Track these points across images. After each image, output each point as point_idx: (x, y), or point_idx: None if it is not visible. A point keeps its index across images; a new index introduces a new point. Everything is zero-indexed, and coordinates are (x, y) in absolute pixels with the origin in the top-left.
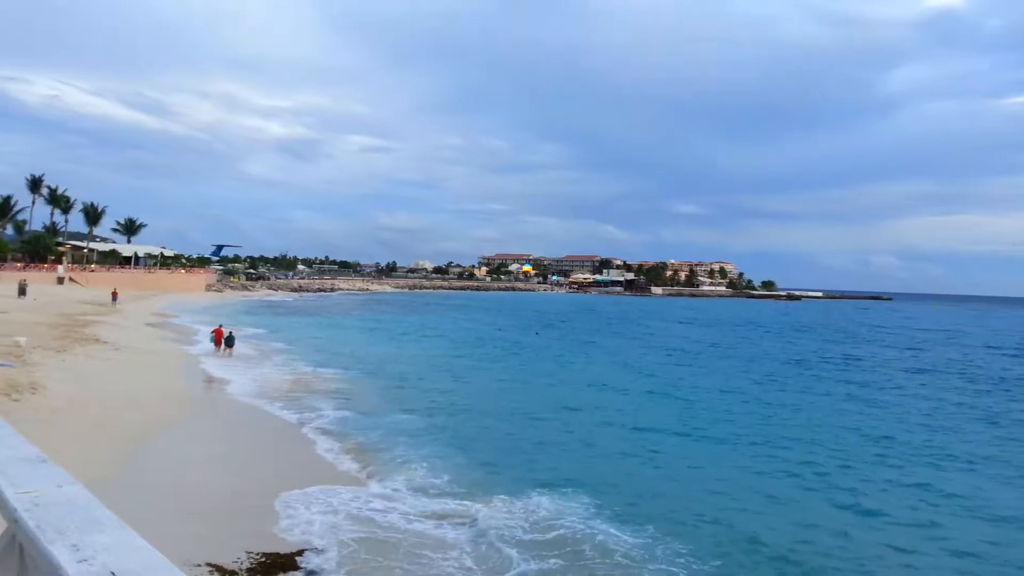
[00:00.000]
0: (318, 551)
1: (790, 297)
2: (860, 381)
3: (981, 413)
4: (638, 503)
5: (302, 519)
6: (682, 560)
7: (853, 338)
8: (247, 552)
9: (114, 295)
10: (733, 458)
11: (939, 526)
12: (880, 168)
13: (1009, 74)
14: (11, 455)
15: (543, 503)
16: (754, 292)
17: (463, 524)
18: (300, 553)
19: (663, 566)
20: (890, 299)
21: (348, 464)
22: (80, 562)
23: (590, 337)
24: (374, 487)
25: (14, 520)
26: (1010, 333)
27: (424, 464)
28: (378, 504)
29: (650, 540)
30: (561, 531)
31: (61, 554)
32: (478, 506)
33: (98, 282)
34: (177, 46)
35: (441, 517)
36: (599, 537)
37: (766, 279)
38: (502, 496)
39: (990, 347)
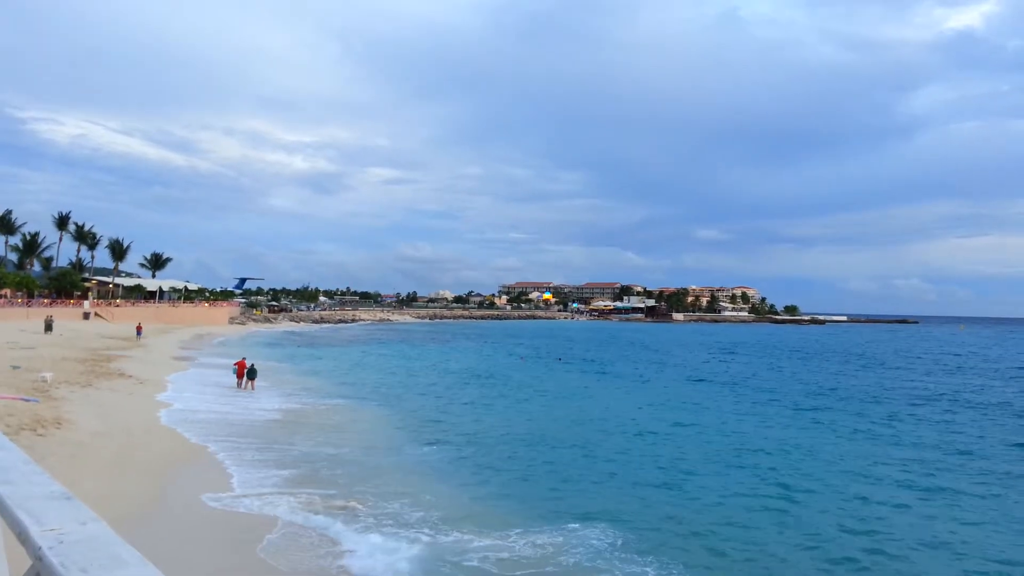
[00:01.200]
0: None
1: (814, 321)
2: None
3: None
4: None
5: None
6: None
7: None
8: None
9: (139, 329)
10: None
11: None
12: (903, 191)
13: None
14: (36, 492)
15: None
16: (777, 317)
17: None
18: None
19: None
20: (916, 323)
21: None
22: None
23: (611, 366)
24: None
25: (39, 558)
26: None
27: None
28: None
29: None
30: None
31: None
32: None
33: (123, 317)
34: (203, 85)
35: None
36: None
37: (789, 304)
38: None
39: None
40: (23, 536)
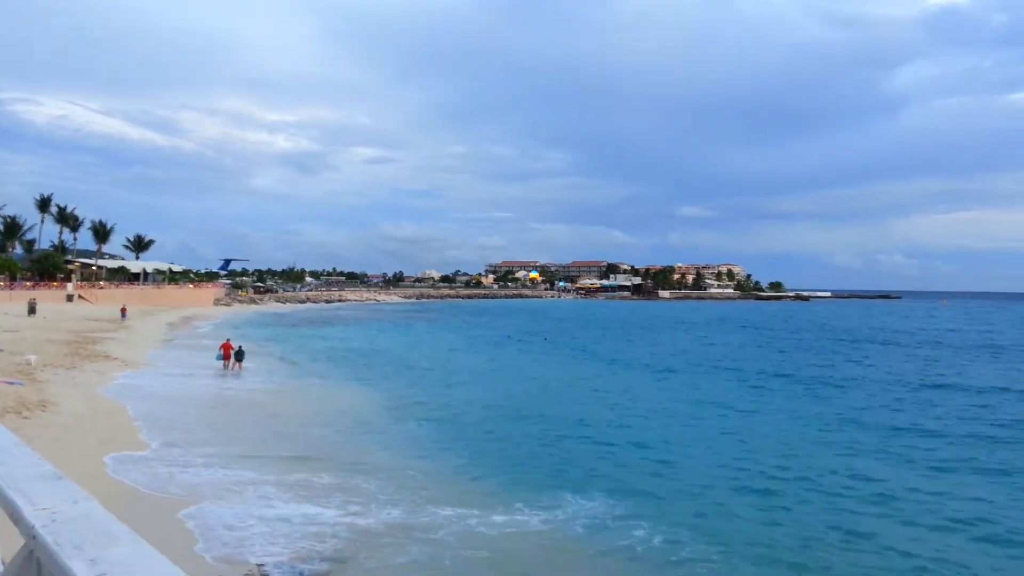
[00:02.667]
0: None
1: (798, 297)
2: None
3: None
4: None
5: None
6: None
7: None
8: (257, 565)
9: (123, 311)
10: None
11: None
12: (887, 167)
13: (1015, 69)
14: (28, 473)
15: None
16: (762, 294)
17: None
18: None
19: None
20: (899, 298)
21: None
22: None
23: (599, 343)
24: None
25: (32, 536)
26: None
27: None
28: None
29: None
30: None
31: (79, 568)
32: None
33: (107, 299)
34: (184, 65)
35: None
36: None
37: (774, 280)
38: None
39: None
40: (16, 516)
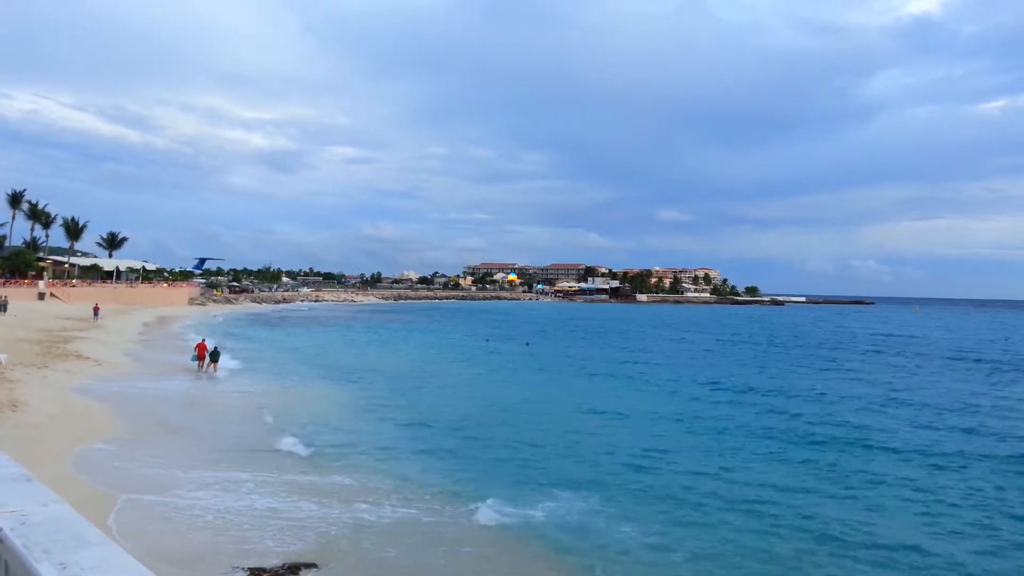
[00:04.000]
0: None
1: (774, 302)
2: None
3: None
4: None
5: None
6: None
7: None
8: (233, 567)
9: (96, 310)
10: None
11: None
12: (860, 173)
13: (986, 79)
14: None
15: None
16: (738, 298)
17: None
18: (294, 569)
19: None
20: (872, 303)
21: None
22: None
23: (580, 348)
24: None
25: (0, 540)
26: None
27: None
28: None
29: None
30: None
31: (48, 572)
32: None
33: (79, 297)
34: (158, 59)
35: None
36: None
37: (750, 285)
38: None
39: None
40: None
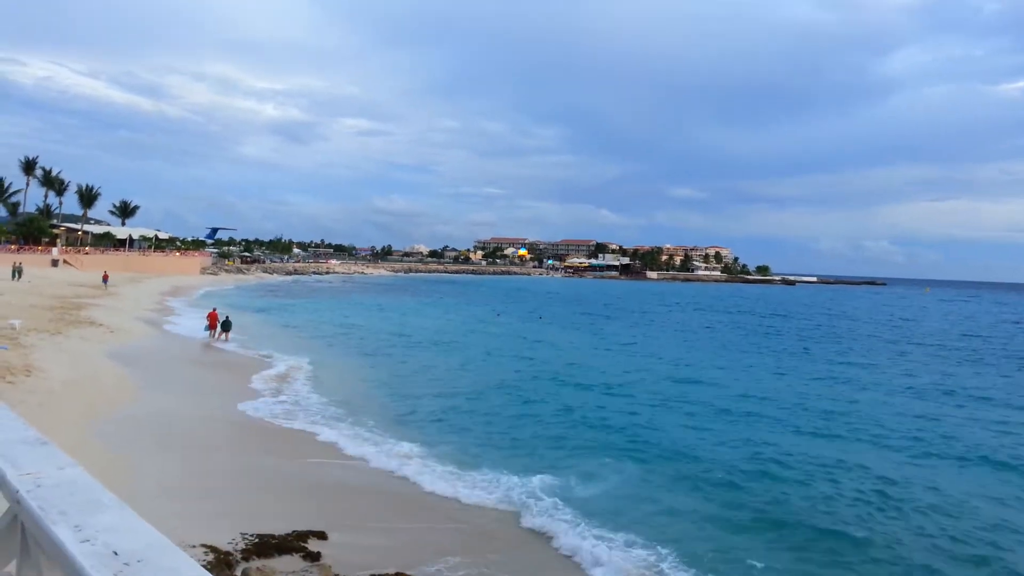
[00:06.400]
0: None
1: (785, 282)
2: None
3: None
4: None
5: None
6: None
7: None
8: (242, 533)
9: (105, 277)
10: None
11: None
12: (876, 153)
13: (1006, 59)
14: (12, 437)
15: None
16: (749, 277)
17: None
18: (302, 537)
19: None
20: (884, 284)
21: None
22: (83, 542)
23: (597, 324)
24: None
25: (16, 501)
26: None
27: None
28: None
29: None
30: None
31: (64, 534)
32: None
33: (92, 265)
34: (171, 27)
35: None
36: None
37: (761, 264)
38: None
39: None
40: None
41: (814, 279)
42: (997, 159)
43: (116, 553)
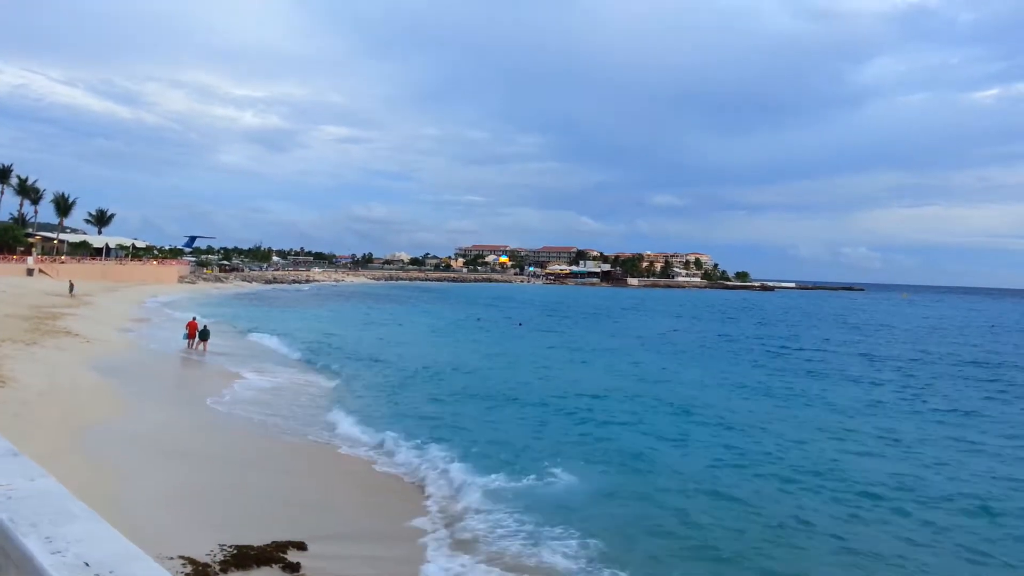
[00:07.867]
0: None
1: (764, 288)
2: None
3: None
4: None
5: None
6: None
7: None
8: (220, 544)
9: (71, 286)
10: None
11: None
12: (853, 160)
13: (981, 68)
14: None
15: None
16: (728, 283)
17: None
18: (281, 548)
19: None
20: (863, 290)
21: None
22: (54, 554)
23: (574, 330)
24: None
25: None
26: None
27: None
28: None
29: None
30: None
31: (35, 546)
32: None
33: (69, 274)
34: (148, 34)
35: None
36: None
37: (740, 270)
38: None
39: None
40: None
41: (792, 285)
42: (972, 166)
43: (87, 564)
